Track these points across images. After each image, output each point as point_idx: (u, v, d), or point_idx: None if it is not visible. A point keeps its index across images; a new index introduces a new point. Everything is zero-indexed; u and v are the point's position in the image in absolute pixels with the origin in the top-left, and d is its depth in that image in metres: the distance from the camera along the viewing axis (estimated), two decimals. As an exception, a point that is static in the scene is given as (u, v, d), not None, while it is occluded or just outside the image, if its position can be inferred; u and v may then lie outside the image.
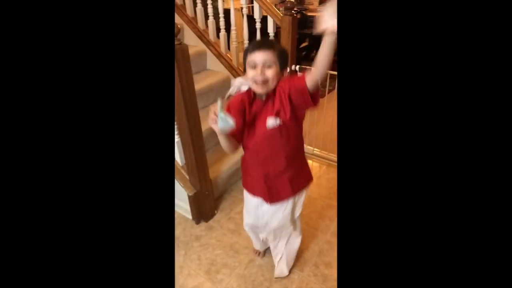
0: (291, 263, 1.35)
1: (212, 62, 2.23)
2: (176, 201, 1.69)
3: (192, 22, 2.18)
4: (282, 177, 1.03)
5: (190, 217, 1.67)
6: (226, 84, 2.20)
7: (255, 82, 0.88)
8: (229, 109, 0.93)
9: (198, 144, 1.44)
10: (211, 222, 1.67)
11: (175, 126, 1.43)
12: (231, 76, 2.18)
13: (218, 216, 1.70)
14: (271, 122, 0.91)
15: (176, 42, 1.17)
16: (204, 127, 1.44)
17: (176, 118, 1.39)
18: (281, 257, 1.31)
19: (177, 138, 1.47)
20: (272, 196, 1.07)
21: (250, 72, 0.89)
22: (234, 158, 1.82)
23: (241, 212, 1.70)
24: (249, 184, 1.13)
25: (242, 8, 1.96)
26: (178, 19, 2.19)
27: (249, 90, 0.94)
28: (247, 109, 0.94)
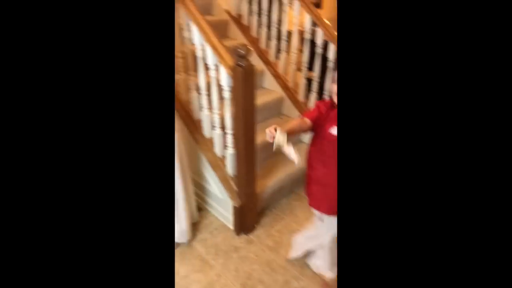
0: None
1: (269, 81, 2.32)
2: (221, 210, 1.76)
3: (255, 43, 2.31)
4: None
5: (231, 227, 1.72)
6: (280, 103, 2.26)
7: (335, 94, 1.08)
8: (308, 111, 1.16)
9: (251, 159, 1.50)
10: (251, 235, 1.69)
11: (231, 139, 1.51)
12: (285, 96, 2.25)
13: (259, 231, 1.72)
14: (333, 130, 1.07)
15: (245, 62, 1.26)
16: (256, 141, 1.50)
17: (233, 131, 1.47)
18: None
19: (231, 150, 1.55)
20: (332, 206, 1.16)
21: (334, 87, 1.09)
22: (280, 175, 1.85)
23: (281, 230, 1.71)
24: (314, 196, 1.23)
25: (304, 32, 2.03)
26: (244, 39, 2.34)
27: (330, 100, 1.13)
28: (324, 112, 1.11)
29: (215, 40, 1.37)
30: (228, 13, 2.42)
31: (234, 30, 2.41)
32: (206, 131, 1.69)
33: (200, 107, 1.65)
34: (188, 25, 1.50)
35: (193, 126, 1.72)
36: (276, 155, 1.82)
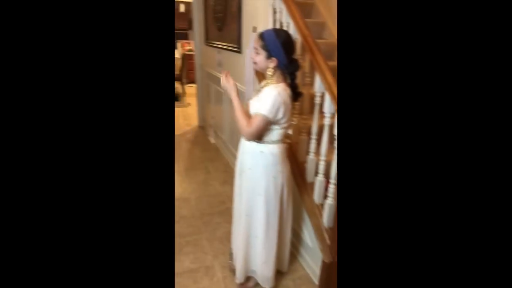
0: None
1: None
2: (309, 260, 1.67)
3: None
4: None
5: (316, 282, 1.59)
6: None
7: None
8: None
9: (352, 215, 1.38)
10: (336, 299, 1.53)
11: (333, 188, 1.44)
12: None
13: (345, 296, 1.54)
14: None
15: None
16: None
17: (337, 181, 1.40)
18: None
19: (330, 201, 1.47)
20: None
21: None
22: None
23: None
24: None
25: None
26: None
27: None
28: None
29: (335, 90, 1.37)
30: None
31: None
32: (309, 176, 1.67)
33: (307, 151, 1.65)
34: (312, 72, 1.57)
35: (297, 168, 1.73)
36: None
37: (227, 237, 1.86)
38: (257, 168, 1.31)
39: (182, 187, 2.53)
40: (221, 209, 2.23)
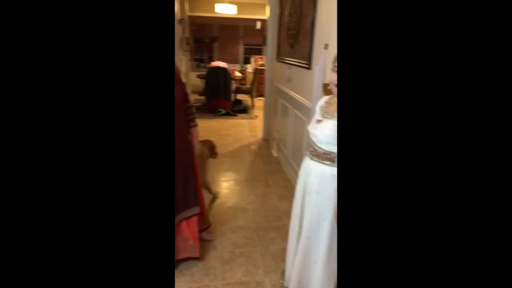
0: None
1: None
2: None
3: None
4: None
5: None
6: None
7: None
8: None
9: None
10: None
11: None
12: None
13: None
14: None
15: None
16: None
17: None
18: None
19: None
20: None
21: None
22: None
23: None
24: None
25: None
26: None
27: None
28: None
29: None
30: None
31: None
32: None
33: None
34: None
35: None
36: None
37: (280, 254, 1.82)
38: (326, 192, 1.23)
39: (241, 197, 2.60)
40: (277, 224, 2.20)
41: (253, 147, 3.89)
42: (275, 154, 3.55)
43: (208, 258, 1.83)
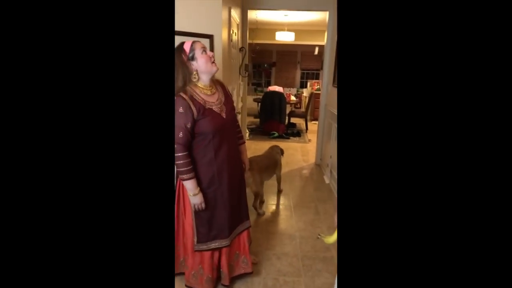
0: None
1: None
2: None
3: None
4: None
5: None
6: None
7: None
8: None
9: None
10: None
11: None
12: None
13: None
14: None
15: None
16: None
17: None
18: None
19: None
20: None
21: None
22: None
23: None
24: None
25: None
26: None
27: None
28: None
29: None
30: None
31: None
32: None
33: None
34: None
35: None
36: None
37: (326, 290, 1.72)
38: None
39: (289, 222, 2.55)
40: (325, 255, 2.09)
41: (304, 171, 3.82)
42: (327, 181, 3.43)
43: (251, 282, 1.81)
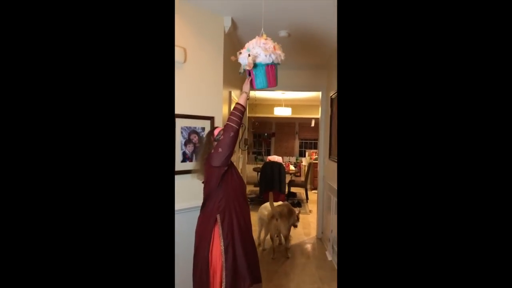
0: None
1: None
2: None
3: None
4: None
5: None
6: None
7: None
8: None
9: None
10: None
11: None
12: None
13: None
14: None
15: None
16: None
17: None
18: None
19: None
20: None
21: None
22: None
23: None
24: None
25: None
26: None
27: None
28: None
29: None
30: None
31: None
32: None
33: None
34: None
35: None
36: None
37: None
38: None
39: (290, 308, 2.33)
40: None
41: (305, 247, 3.66)
42: (329, 257, 3.26)
43: None
